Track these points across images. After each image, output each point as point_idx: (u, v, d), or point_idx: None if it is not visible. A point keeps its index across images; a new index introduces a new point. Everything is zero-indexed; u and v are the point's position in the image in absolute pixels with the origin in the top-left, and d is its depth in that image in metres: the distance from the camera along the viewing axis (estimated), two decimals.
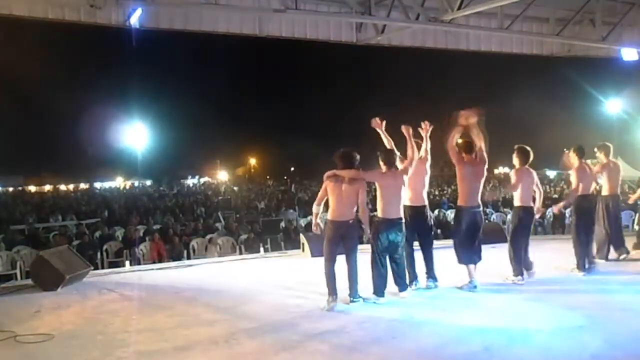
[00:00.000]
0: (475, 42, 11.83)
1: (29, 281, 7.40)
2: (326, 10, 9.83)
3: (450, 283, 6.49)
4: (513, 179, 6.74)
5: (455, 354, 4.48)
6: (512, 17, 10.14)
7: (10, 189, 47.02)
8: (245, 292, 6.73)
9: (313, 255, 9.05)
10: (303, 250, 9.55)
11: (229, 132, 59.81)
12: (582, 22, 11.32)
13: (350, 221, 5.83)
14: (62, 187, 52.00)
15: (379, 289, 5.91)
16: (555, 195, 20.64)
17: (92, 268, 8.08)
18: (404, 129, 6.28)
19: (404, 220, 5.99)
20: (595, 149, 7.94)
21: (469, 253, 6.36)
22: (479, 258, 6.42)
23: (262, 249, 11.30)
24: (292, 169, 68.60)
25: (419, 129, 6.48)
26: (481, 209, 6.49)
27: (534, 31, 11.67)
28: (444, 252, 6.76)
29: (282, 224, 14.02)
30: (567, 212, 15.36)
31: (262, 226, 13.63)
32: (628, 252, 7.99)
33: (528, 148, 6.76)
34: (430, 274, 6.49)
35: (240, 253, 11.22)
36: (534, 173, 6.83)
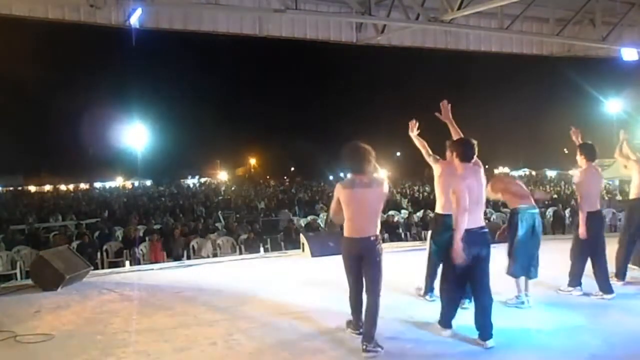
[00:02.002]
0: (475, 42, 11.82)
1: (29, 281, 7.41)
2: (326, 10, 9.83)
3: None
4: (580, 183, 5.94)
5: (455, 354, 4.49)
6: (512, 17, 10.13)
7: (11, 188, 47.07)
8: (245, 292, 6.71)
9: (313, 255, 9.07)
10: (303, 250, 9.55)
11: (229, 132, 60.02)
12: (582, 22, 11.32)
13: (373, 238, 4.42)
14: (62, 187, 52.03)
15: (447, 318, 4.78)
16: (555, 196, 20.68)
17: (92, 268, 8.09)
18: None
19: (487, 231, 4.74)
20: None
21: (526, 263, 5.53)
22: (536, 272, 5.59)
23: (262, 249, 11.33)
24: (292, 169, 68.70)
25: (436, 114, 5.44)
26: (538, 210, 5.71)
27: (534, 31, 11.66)
28: None
29: (283, 224, 14.04)
30: (567, 212, 15.48)
31: (262, 226, 13.65)
32: None
33: (591, 143, 6.04)
34: None
35: (240, 253, 11.25)
36: (600, 171, 6.15)
